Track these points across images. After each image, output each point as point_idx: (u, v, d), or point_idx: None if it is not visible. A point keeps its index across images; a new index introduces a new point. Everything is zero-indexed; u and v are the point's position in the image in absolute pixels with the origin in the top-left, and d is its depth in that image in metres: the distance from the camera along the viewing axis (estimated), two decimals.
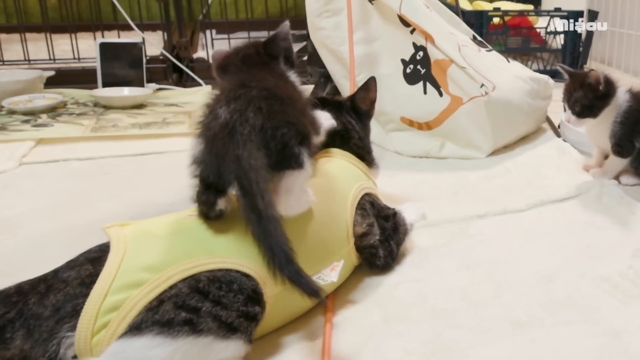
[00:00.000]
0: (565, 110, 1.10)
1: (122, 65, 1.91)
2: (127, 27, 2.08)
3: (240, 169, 0.59)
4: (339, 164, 0.84)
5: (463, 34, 1.45)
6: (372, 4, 1.32)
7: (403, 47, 1.32)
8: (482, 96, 1.26)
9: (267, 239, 0.58)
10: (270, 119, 0.62)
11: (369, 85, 0.93)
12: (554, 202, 1.06)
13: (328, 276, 0.69)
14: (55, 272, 0.60)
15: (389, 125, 1.35)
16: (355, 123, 0.91)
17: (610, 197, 1.07)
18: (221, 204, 0.64)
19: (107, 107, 1.76)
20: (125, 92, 1.84)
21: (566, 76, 1.11)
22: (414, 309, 0.73)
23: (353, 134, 0.90)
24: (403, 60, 1.33)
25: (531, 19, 2.21)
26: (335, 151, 0.87)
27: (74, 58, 2.10)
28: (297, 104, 0.68)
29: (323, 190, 0.74)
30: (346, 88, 1.36)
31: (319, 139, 0.79)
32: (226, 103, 0.63)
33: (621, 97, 1.08)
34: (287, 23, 0.79)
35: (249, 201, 0.58)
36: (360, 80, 1.29)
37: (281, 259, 0.57)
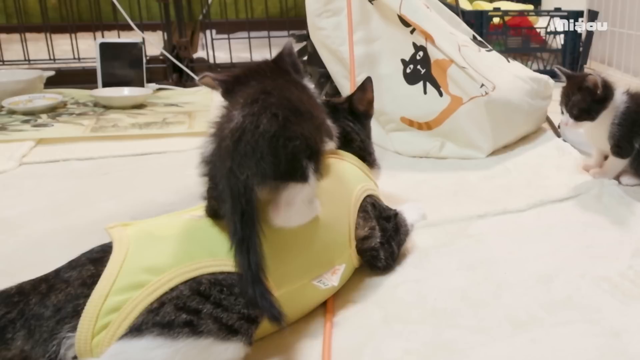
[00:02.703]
0: (563, 113, 1.10)
1: (122, 65, 1.91)
2: (127, 27, 2.08)
3: (230, 180, 0.58)
4: (341, 166, 0.84)
5: (463, 34, 1.45)
6: (372, 4, 1.32)
7: (403, 47, 1.33)
8: (482, 96, 1.26)
9: (241, 256, 0.57)
10: (285, 128, 0.61)
11: (365, 86, 0.93)
12: (554, 202, 1.06)
13: (329, 280, 0.69)
14: (57, 272, 0.60)
15: (389, 125, 1.35)
16: (353, 125, 0.91)
17: (610, 197, 1.07)
18: (225, 210, 0.63)
19: (107, 107, 1.76)
20: (125, 92, 1.84)
21: (564, 79, 1.11)
22: (414, 309, 0.73)
23: (354, 136, 0.90)
24: (403, 60, 1.33)
25: (531, 19, 2.21)
26: (338, 152, 0.87)
27: (74, 58, 2.10)
28: (315, 120, 0.67)
29: (325, 194, 0.73)
30: (346, 88, 1.36)
31: (330, 145, 0.79)
32: (242, 107, 0.62)
33: (619, 99, 1.08)
34: (291, 40, 0.79)
35: (230, 215, 0.58)
36: (361, 80, 1.28)
37: (249, 277, 0.57)
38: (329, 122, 0.77)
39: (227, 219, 0.59)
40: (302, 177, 0.62)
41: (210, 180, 0.64)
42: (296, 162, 0.61)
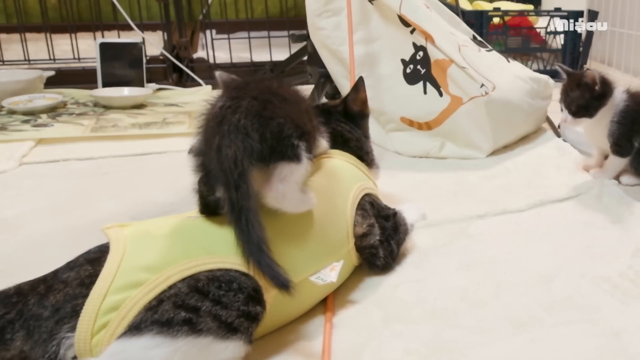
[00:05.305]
0: (562, 110, 1.10)
1: (122, 65, 1.91)
2: (127, 27, 2.08)
3: (219, 158, 0.59)
4: (339, 165, 0.84)
5: (463, 34, 1.45)
6: (372, 4, 1.32)
7: (403, 47, 1.32)
8: (482, 96, 1.26)
9: (240, 229, 0.58)
10: (265, 109, 0.63)
11: (358, 86, 0.93)
12: (554, 202, 1.06)
13: (327, 276, 0.69)
14: (55, 273, 0.60)
15: (389, 125, 1.35)
16: (345, 125, 0.91)
17: (610, 197, 1.07)
18: (220, 191, 0.64)
19: (107, 107, 1.76)
20: (125, 92, 1.84)
21: (564, 76, 1.11)
22: (414, 309, 0.73)
23: (348, 135, 0.90)
24: (403, 60, 1.33)
25: (531, 19, 2.21)
26: (336, 152, 0.87)
27: (74, 58, 2.10)
28: (301, 104, 0.69)
29: (323, 191, 0.74)
30: (346, 88, 1.36)
31: (322, 146, 0.80)
32: (223, 95, 0.65)
33: (618, 97, 1.09)
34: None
35: (225, 192, 0.59)
36: None
37: (252, 248, 0.58)
38: (314, 112, 0.77)
39: (222, 200, 0.60)
40: (294, 156, 0.63)
41: (202, 169, 0.65)
42: (285, 140, 0.63)
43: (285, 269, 0.59)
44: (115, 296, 0.56)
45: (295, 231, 0.68)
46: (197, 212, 0.69)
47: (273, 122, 0.62)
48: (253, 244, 0.58)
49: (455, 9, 1.68)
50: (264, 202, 0.64)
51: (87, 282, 0.57)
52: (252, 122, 0.61)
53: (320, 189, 0.73)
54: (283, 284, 0.57)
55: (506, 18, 2.12)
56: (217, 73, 0.78)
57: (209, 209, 0.66)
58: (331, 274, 0.69)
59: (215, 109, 0.63)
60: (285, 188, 0.64)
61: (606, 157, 1.16)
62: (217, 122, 0.61)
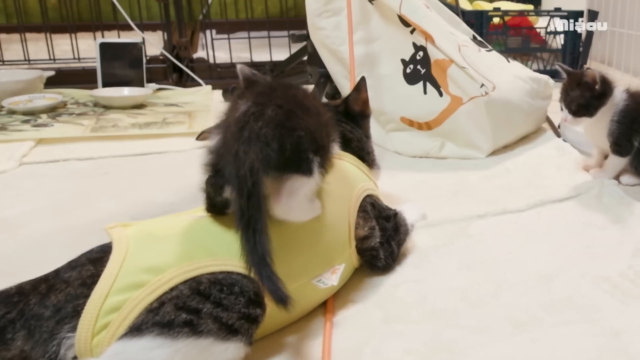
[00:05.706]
0: (562, 109, 1.11)
1: (122, 65, 1.91)
2: (127, 27, 2.08)
3: (236, 164, 0.59)
4: (340, 165, 0.84)
5: (463, 34, 1.45)
6: (372, 4, 1.32)
7: (403, 47, 1.32)
8: (482, 96, 1.26)
9: (247, 239, 0.58)
10: (289, 119, 0.62)
11: (360, 86, 0.93)
12: (554, 202, 1.06)
13: (329, 280, 0.69)
14: (57, 272, 0.60)
15: (389, 125, 1.35)
16: (346, 125, 0.91)
17: (610, 197, 1.07)
18: (228, 192, 0.63)
19: (107, 107, 1.76)
20: (125, 92, 1.84)
21: (564, 75, 1.11)
22: (414, 309, 0.73)
23: (350, 136, 0.90)
24: (403, 60, 1.33)
25: (531, 19, 2.21)
26: (337, 153, 0.87)
27: (74, 58, 2.10)
28: (322, 118, 0.69)
29: (326, 193, 0.74)
30: (346, 88, 1.36)
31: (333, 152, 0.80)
32: (248, 99, 0.64)
33: (618, 96, 1.09)
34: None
35: (237, 198, 0.59)
36: None
37: (255, 259, 0.57)
38: (333, 126, 0.78)
39: (233, 205, 0.60)
40: (308, 170, 0.63)
41: (211, 168, 0.65)
42: (302, 153, 0.62)
43: (285, 284, 0.58)
44: (116, 297, 0.56)
45: (300, 235, 0.68)
46: (204, 209, 0.68)
47: (294, 134, 0.62)
48: (257, 255, 0.57)
49: (455, 9, 1.68)
50: (270, 212, 0.63)
51: (89, 282, 0.57)
52: (273, 132, 0.60)
53: (329, 191, 0.73)
54: (281, 299, 0.57)
55: (506, 18, 2.12)
56: (239, 66, 0.78)
57: (215, 208, 0.66)
58: (332, 277, 0.69)
59: (238, 112, 0.62)
60: (293, 202, 0.64)
61: (606, 157, 1.16)
62: (239, 127, 0.61)
